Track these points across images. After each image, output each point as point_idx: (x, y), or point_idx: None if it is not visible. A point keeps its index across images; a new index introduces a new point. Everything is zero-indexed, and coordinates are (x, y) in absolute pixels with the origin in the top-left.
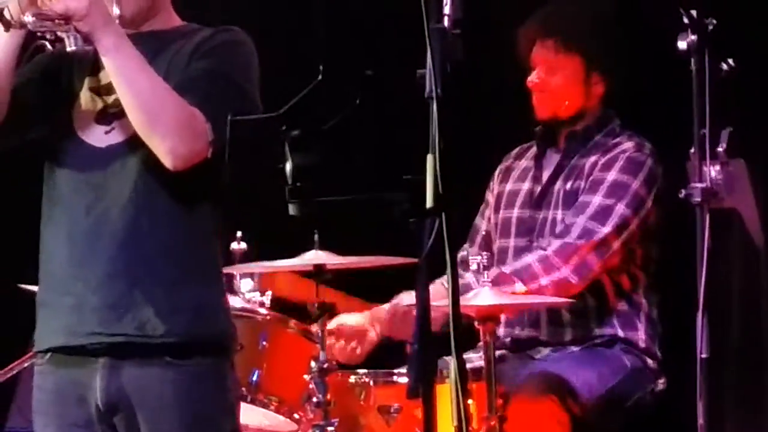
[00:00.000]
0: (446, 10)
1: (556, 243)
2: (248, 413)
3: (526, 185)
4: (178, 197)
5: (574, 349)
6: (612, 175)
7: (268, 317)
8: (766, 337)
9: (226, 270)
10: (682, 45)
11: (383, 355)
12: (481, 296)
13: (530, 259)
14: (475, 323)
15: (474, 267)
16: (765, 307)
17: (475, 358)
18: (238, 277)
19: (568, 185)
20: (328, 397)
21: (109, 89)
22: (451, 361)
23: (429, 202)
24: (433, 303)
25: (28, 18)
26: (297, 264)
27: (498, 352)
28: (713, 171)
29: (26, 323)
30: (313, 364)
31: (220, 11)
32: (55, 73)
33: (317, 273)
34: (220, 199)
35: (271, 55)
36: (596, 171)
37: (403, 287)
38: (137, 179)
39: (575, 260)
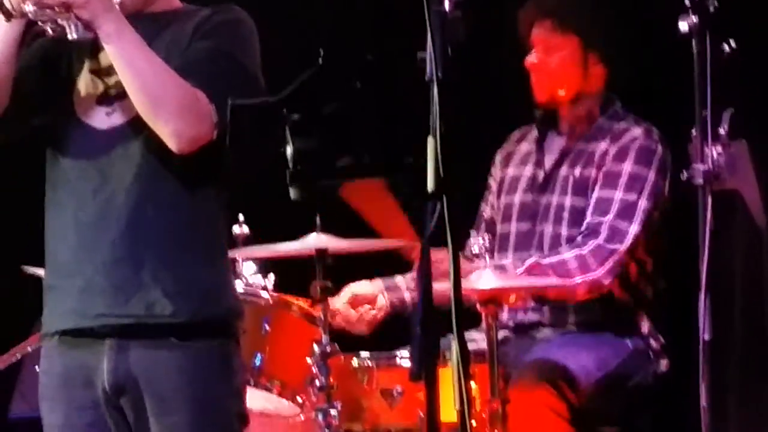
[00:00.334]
0: None
1: (591, 244)
2: (251, 397)
3: (528, 170)
4: (183, 178)
5: (574, 331)
6: (628, 167)
7: (271, 301)
8: None
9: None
10: (683, 26)
11: (386, 338)
12: (483, 279)
13: (567, 255)
14: (478, 306)
15: (476, 250)
16: (767, 288)
17: (478, 339)
18: (240, 261)
19: (577, 171)
20: (331, 380)
21: (109, 71)
22: (453, 343)
23: (430, 186)
24: (435, 286)
25: (29, 7)
26: (299, 248)
27: (501, 334)
28: (715, 152)
29: (29, 308)
30: (315, 347)
31: None
32: (55, 57)
33: (319, 257)
34: (224, 180)
35: (272, 40)
36: (609, 162)
37: (405, 270)
38: (141, 160)
39: (610, 264)
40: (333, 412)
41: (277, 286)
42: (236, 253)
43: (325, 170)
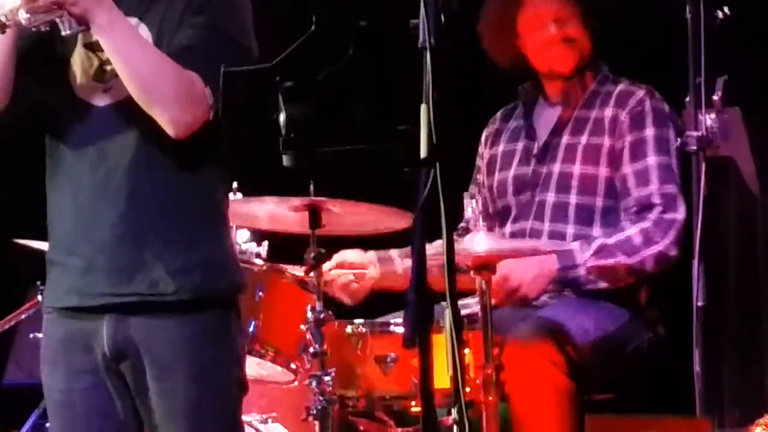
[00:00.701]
0: None
1: (652, 216)
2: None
3: (520, 144)
4: (181, 155)
5: (573, 297)
6: (650, 132)
7: (264, 268)
8: (762, 285)
9: None
10: None
11: (380, 305)
12: (476, 242)
13: (630, 231)
14: (471, 273)
15: (469, 212)
16: (761, 255)
17: (472, 304)
18: (234, 228)
19: (583, 139)
20: (325, 347)
21: None
22: (446, 309)
23: (423, 153)
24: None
25: (23, 15)
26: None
27: (495, 300)
28: (709, 119)
29: (22, 278)
30: (309, 314)
31: None
32: (47, 35)
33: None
34: (222, 154)
35: (264, 7)
36: (627, 130)
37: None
38: (139, 138)
39: (673, 234)
40: (327, 378)
41: (270, 255)
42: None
43: (318, 137)
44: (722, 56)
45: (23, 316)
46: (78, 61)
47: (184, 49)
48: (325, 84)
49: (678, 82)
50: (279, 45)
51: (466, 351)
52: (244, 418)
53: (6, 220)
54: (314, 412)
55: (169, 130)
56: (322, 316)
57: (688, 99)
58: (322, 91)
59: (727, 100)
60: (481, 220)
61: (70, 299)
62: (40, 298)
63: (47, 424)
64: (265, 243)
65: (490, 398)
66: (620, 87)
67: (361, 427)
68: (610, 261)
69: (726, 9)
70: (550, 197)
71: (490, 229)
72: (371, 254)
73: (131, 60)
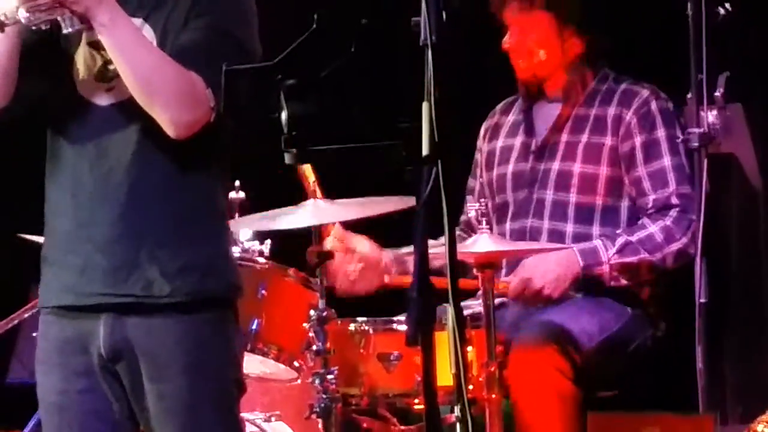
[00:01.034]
0: None
1: (672, 214)
2: (248, 362)
3: (519, 139)
4: (181, 156)
5: (576, 295)
6: (662, 133)
7: (267, 266)
8: (764, 281)
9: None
10: None
11: (383, 303)
12: (479, 243)
13: (652, 229)
14: (474, 271)
15: (472, 214)
16: (764, 252)
17: (475, 305)
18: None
19: (584, 137)
20: (328, 345)
21: None
22: (449, 307)
23: (425, 150)
24: (431, 251)
25: (23, 13)
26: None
27: (498, 300)
28: (711, 116)
29: (26, 275)
30: (312, 312)
31: None
32: (51, 32)
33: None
34: (223, 157)
35: (267, 4)
36: (637, 131)
37: (401, 235)
38: (140, 138)
39: (691, 232)
40: (330, 376)
41: (273, 254)
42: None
43: (320, 135)
44: (724, 53)
45: (26, 315)
46: (82, 59)
47: (186, 50)
48: (326, 82)
49: (680, 78)
50: (280, 43)
51: (469, 348)
52: (248, 416)
53: (9, 217)
54: (317, 410)
55: (170, 131)
56: (325, 314)
57: (689, 96)
58: (324, 89)
59: (728, 97)
60: (484, 222)
61: (65, 298)
62: None
63: None
64: (268, 241)
65: (493, 396)
66: (623, 86)
67: (365, 425)
68: (634, 258)
69: (727, 5)
70: (549, 195)
71: (490, 223)
72: (387, 254)
73: (132, 59)
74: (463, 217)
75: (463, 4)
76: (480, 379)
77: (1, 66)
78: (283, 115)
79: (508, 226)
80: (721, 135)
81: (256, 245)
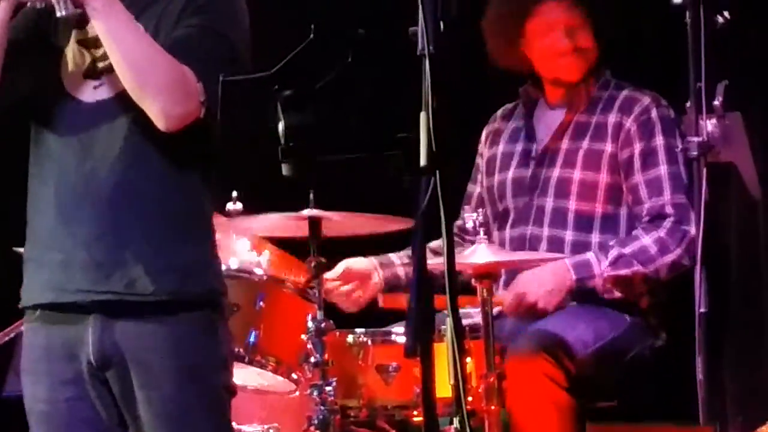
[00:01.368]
0: None
1: (666, 225)
2: (246, 374)
3: (519, 145)
4: (167, 155)
5: (573, 303)
6: (660, 141)
7: (265, 278)
8: (764, 291)
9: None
10: None
11: (381, 314)
12: (477, 254)
13: (646, 241)
14: (472, 281)
15: (470, 225)
16: (763, 261)
17: (474, 313)
18: (234, 238)
19: (584, 144)
20: (326, 356)
21: (97, 42)
22: (447, 318)
23: (422, 160)
24: (429, 262)
25: None
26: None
27: (496, 309)
28: (710, 125)
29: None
30: (310, 323)
31: None
32: (42, 27)
33: (313, 233)
34: (210, 158)
35: (263, 14)
36: (636, 139)
37: (399, 246)
38: (127, 136)
39: (685, 244)
40: (328, 388)
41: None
42: (231, 229)
43: (317, 146)
44: (723, 61)
45: (23, 328)
46: (71, 57)
47: (179, 44)
48: (323, 92)
49: (678, 87)
50: (277, 54)
51: (468, 360)
52: (246, 428)
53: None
54: (316, 422)
55: (159, 123)
56: (323, 325)
57: (688, 104)
58: (321, 99)
59: (727, 105)
60: (482, 232)
61: (47, 295)
62: None
63: None
64: (266, 252)
65: (492, 407)
66: (624, 93)
67: None
68: (628, 271)
69: (726, 13)
70: (549, 202)
71: (488, 233)
72: (372, 260)
73: (124, 45)
74: (458, 222)
75: (460, 13)
76: (479, 390)
77: None
78: (281, 126)
79: (507, 233)
80: (720, 144)
81: (253, 257)
